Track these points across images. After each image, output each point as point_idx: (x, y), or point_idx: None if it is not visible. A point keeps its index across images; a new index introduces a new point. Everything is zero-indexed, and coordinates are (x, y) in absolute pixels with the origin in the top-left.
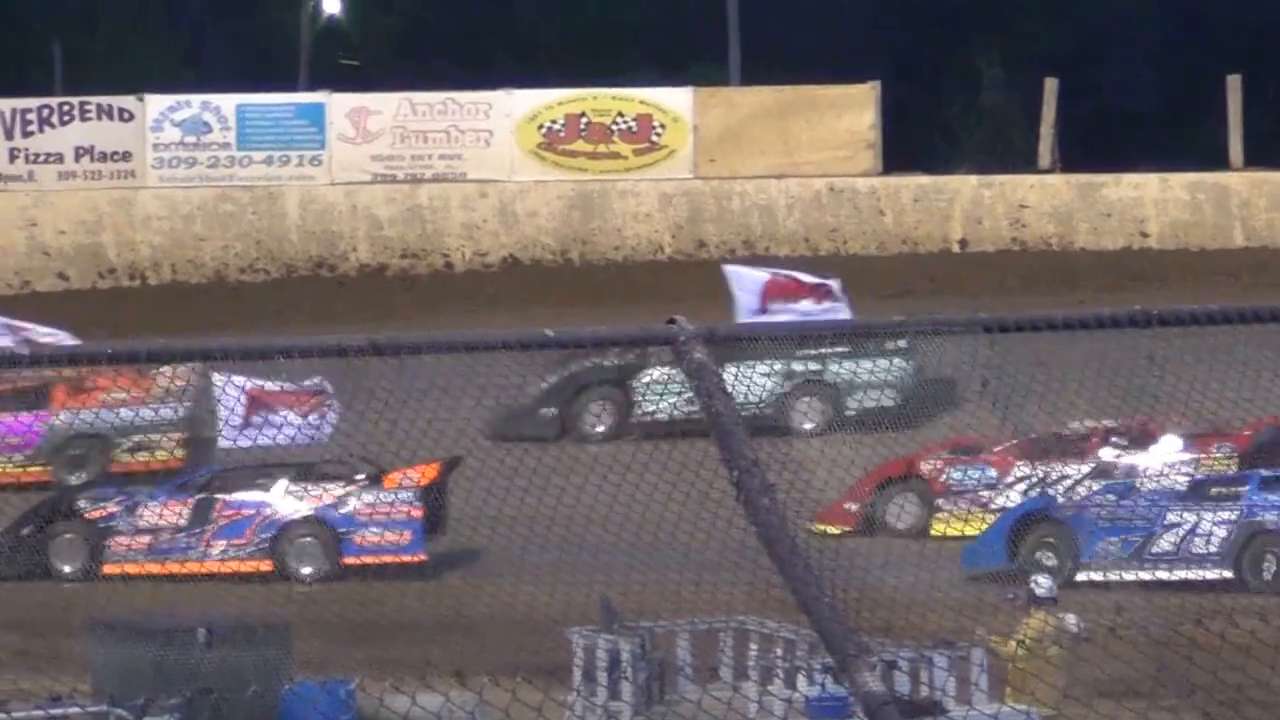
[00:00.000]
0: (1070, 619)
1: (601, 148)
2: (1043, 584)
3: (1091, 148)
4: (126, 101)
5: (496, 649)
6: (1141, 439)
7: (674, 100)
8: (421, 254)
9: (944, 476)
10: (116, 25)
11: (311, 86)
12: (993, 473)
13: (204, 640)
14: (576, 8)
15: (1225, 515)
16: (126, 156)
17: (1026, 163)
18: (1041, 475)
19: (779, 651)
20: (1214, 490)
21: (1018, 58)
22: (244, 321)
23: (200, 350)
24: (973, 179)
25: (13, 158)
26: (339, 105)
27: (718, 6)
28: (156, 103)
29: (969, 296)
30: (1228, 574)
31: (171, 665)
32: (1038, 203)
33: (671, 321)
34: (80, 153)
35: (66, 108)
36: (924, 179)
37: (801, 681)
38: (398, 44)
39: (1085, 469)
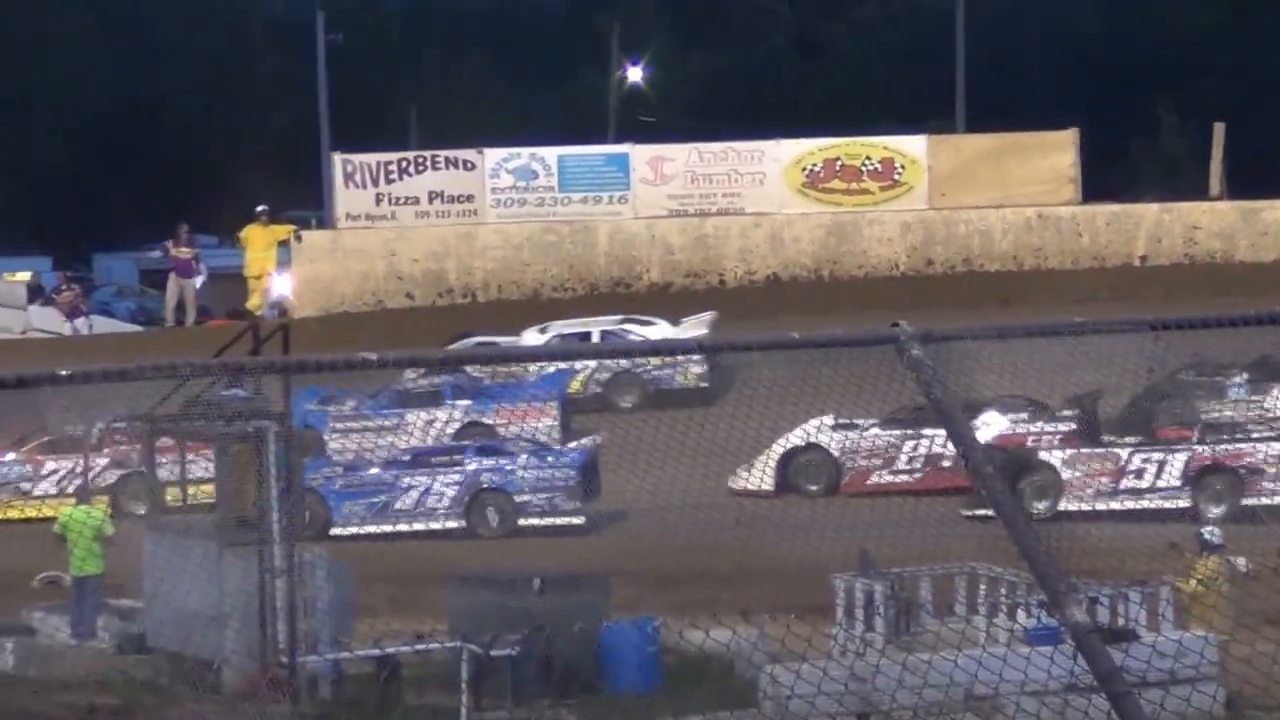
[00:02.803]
0: (1240, 561)
1: (853, 185)
2: (1214, 534)
3: (1253, 179)
4: (469, 154)
5: (775, 592)
6: None
7: (912, 146)
8: (702, 273)
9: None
10: (462, 92)
11: (618, 139)
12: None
13: (538, 588)
14: (831, 73)
15: None
16: (470, 199)
17: (1198, 191)
18: None
19: (1003, 591)
20: None
21: (1191, 106)
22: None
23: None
24: (1154, 206)
25: (379, 201)
26: (641, 154)
27: (947, 69)
28: (493, 155)
29: (1143, 302)
30: None
31: (512, 608)
32: (1208, 224)
33: (895, 325)
34: (432, 196)
35: (421, 160)
36: (1115, 206)
37: (1021, 615)
38: (687, 104)
39: None
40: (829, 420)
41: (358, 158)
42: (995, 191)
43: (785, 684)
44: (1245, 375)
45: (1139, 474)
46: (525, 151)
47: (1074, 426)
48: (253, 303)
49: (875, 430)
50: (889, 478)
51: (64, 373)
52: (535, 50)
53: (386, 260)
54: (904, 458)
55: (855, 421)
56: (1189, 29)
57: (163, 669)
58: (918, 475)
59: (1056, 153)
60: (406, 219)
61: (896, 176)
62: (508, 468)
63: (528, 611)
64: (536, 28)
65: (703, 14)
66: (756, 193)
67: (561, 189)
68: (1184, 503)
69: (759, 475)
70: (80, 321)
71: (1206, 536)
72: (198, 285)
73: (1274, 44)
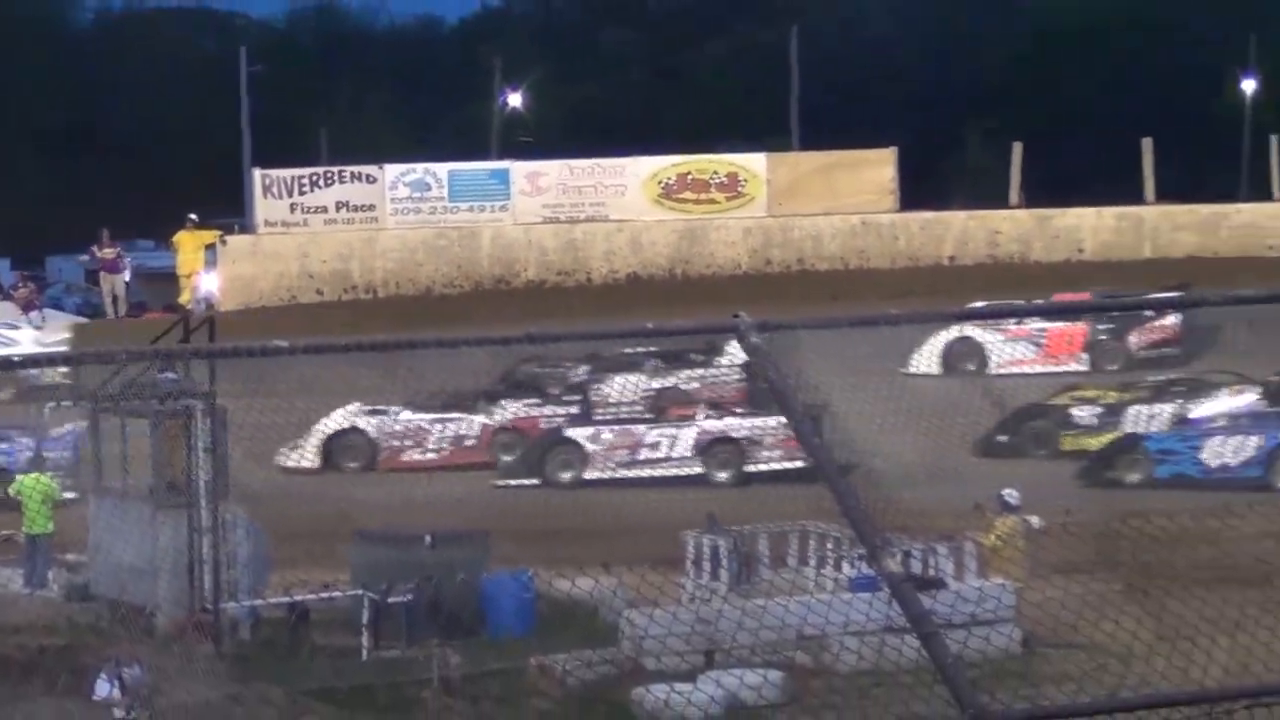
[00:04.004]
0: (1033, 519)
1: (702, 196)
2: (1013, 496)
3: (1046, 191)
4: (371, 169)
5: (632, 547)
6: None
7: (753, 162)
8: (571, 272)
9: None
10: (365, 116)
11: (500, 157)
12: None
13: (429, 544)
14: (685, 99)
15: None
16: (372, 208)
17: (999, 201)
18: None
19: (829, 545)
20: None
21: (994, 128)
22: (443, 321)
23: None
24: (962, 214)
25: (293, 210)
26: (519, 170)
27: (784, 95)
28: (392, 170)
29: (952, 297)
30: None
31: (406, 561)
32: (1007, 230)
33: (736, 316)
34: (339, 205)
35: (330, 174)
36: (928, 214)
37: (845, 566)
38: (560, 126)
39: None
40: (364, 406)
41: (275, 172)
42: (825, 201)
43: (641, 626)
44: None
45: (654, 446)
46: (420, 167)
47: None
48: (183, 298)
49: (406, 414)
50: (419, 455)
51: (15, 358)
52: (429, 80)
53: (299, 261)
54: (433, 438)
55: (384, 408)
56: (995, 61)
57: (103, 614)
58: (445, 453)
59: (878, 168)
60: (317, 225)
61: (740, 188)
62: None
63: (419, 564)
64: (430, 60)
65: (573, 47)
66: (619, 202)
67: (451, 199)
68: (697, 469)
69: (301, 454)
70: (34, 315)
71: (1006, 498)
72: (126, 279)
73: (1066, 74)
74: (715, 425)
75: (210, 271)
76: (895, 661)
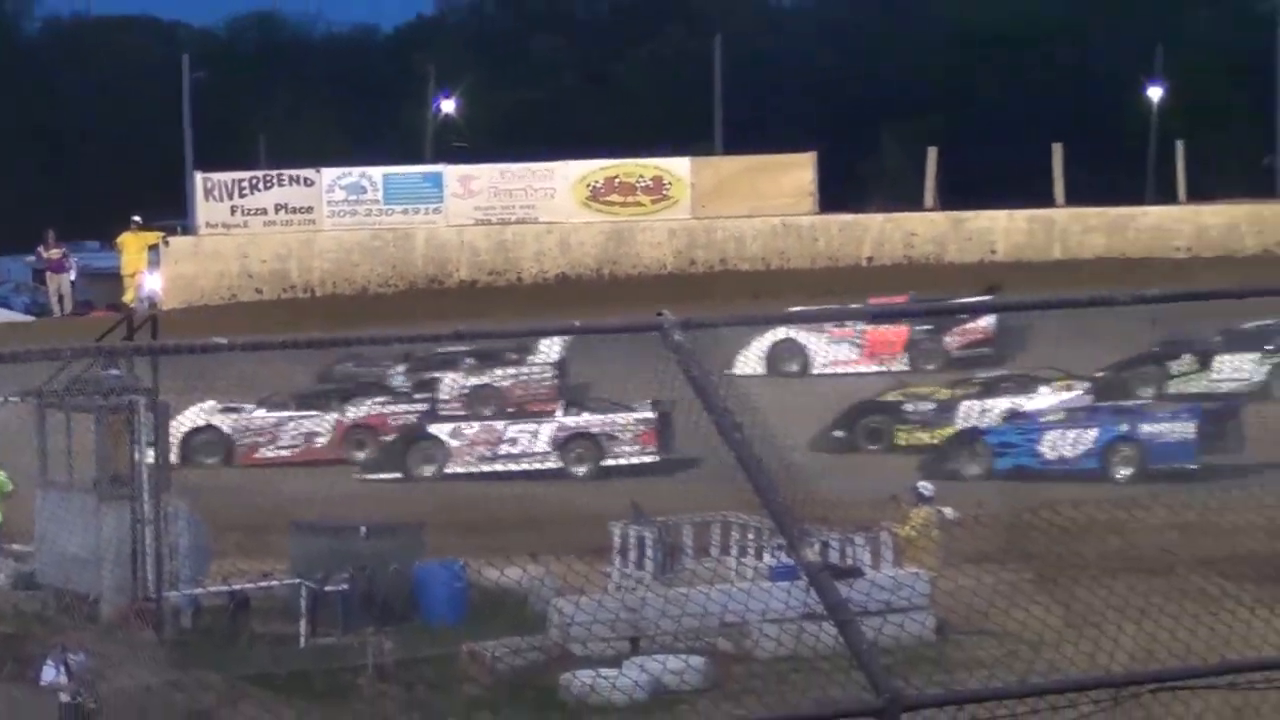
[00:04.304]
0: (947, 510)
1: (629, 199)
2: (927, 488)
3: (960, 194)
4: (309, 173)
5: (559, 537)
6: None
7: (678, 166)
8: (503, 272)
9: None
10: (303, 121)
11: (434, 161)
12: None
13: (364, 535)
14: (613, 105)
15: None
16: (309, 210)
17: (915, 204)
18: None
19: (750, 536)
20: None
21: (910, 134)
22: (378, 320)
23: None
24: (880, 215)
25: (233, 212)
26: (452, 173)
27: (708, 101)
28: (329, 173)
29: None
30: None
31: (342, 551)
32: (923, 231)
33: (659, 314)
34: (278, 208)
35: (269, 178)
36: (846, 216)
37: (766, 556)
38: (492, 131)
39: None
40: (219, 404)
41: (216, 176)
42: (747, 204)
43: (568, 614)
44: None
45: (514, 442)
46: (356, 171)
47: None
48: (127, 297)
49: (260, 412)
50: (273, 452)
51: None
52: (365, 86)
53: (239, 262)
54: (286, 435)
55: (239, 405)
56: (911, 68)
57: (49, 603)
58: (299, 449)
59: (798, 171)
60: (256, 227)
61: (665, 191)
62: None
63: (355, 554)
64: (366, 67)
65: (505, 54)
66: (548, 205)
67: (386, 202)
68: (554, 464)
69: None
70: None
71: (921, 490)
72: (71, 278)
73: (980, 81)
74: (573, 421)
75: (153, 271)
76: (813, 647)
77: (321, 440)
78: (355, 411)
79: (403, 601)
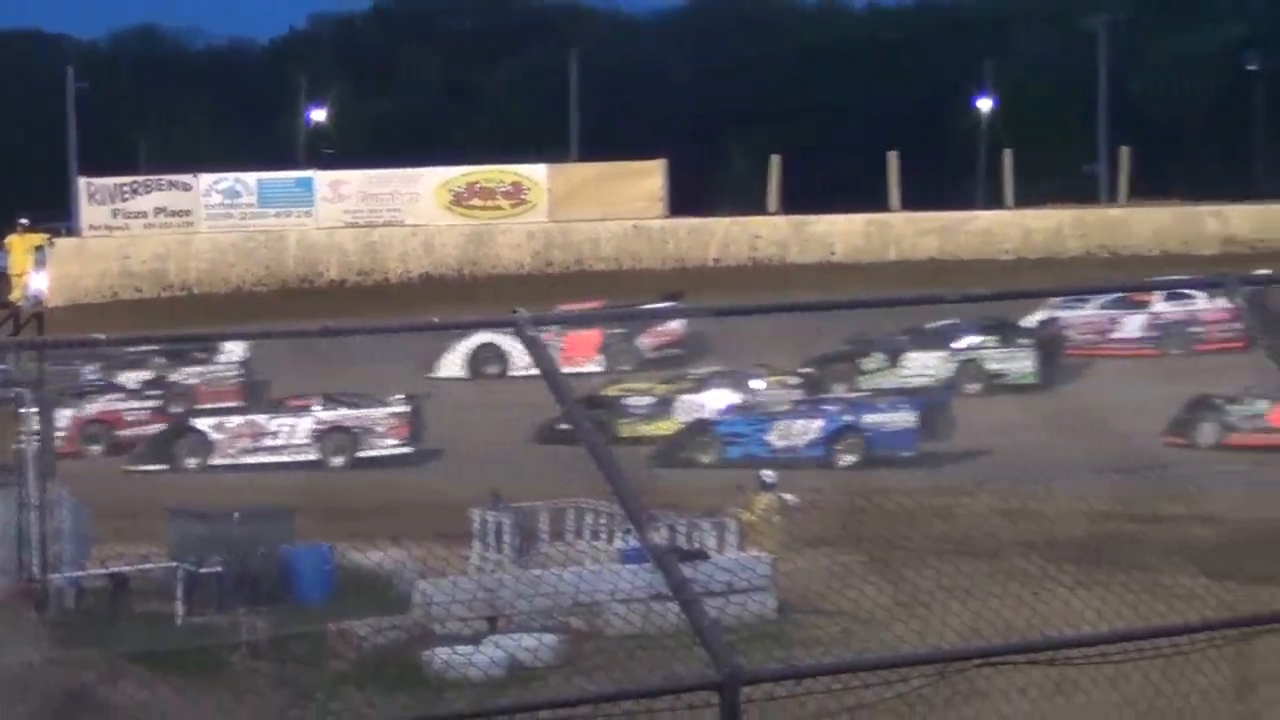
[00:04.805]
0: (788, 497)
1: (489, 203)
2: (770, 476)
3: (802, 200)
4: (187, 178)
5: (421, 522)
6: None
7: (535, 173)
8: (370, 272)
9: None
10: (182, 128)
11: (306, 167)
12: None
13: (238, 520)
14: (475, 115)
15: None
16: (187, 213)
17: (759, 209)
18: None
19: (603, 520)
20: None
21: (755, 143)
22: (253, 317)
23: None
24: (726, 219)
25: (115, 215)
26: (323, 178)
27: (563, 112)
28: (206, 179)
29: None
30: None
31: (217, 536)
32: (767, 234)
33: (514, 311)
34: (157, 211)
35: (149, 183)
36: (694, 220)
37: (616, 539)
38: (361, 139)
39: None
40: None
41: (99, 181)
42: (601, 208)
43: (430, 595)
44: None
45: (275, 434)
46: (231, 176)
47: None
48: (14, 296)
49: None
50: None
51: None
52: (241, 96)
53: (120, 262)
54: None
55: None
56: (756, 81)
57: None
58: None
59: (649, 178)
60: (137, 229)
61: (523, 196)
62: None
63: (229, 538)
64: (242, 78)
65: (373, 67)
66: (413, 209)
67: (260, 205)
68: (313, 455)
69: None
70: None
71: (764, 478)
72: None
73: (821, 93)
74: (330, 415)
75: (39, 271)
76: (659, 626)
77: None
78: (90, 408)
79: (274, 583)
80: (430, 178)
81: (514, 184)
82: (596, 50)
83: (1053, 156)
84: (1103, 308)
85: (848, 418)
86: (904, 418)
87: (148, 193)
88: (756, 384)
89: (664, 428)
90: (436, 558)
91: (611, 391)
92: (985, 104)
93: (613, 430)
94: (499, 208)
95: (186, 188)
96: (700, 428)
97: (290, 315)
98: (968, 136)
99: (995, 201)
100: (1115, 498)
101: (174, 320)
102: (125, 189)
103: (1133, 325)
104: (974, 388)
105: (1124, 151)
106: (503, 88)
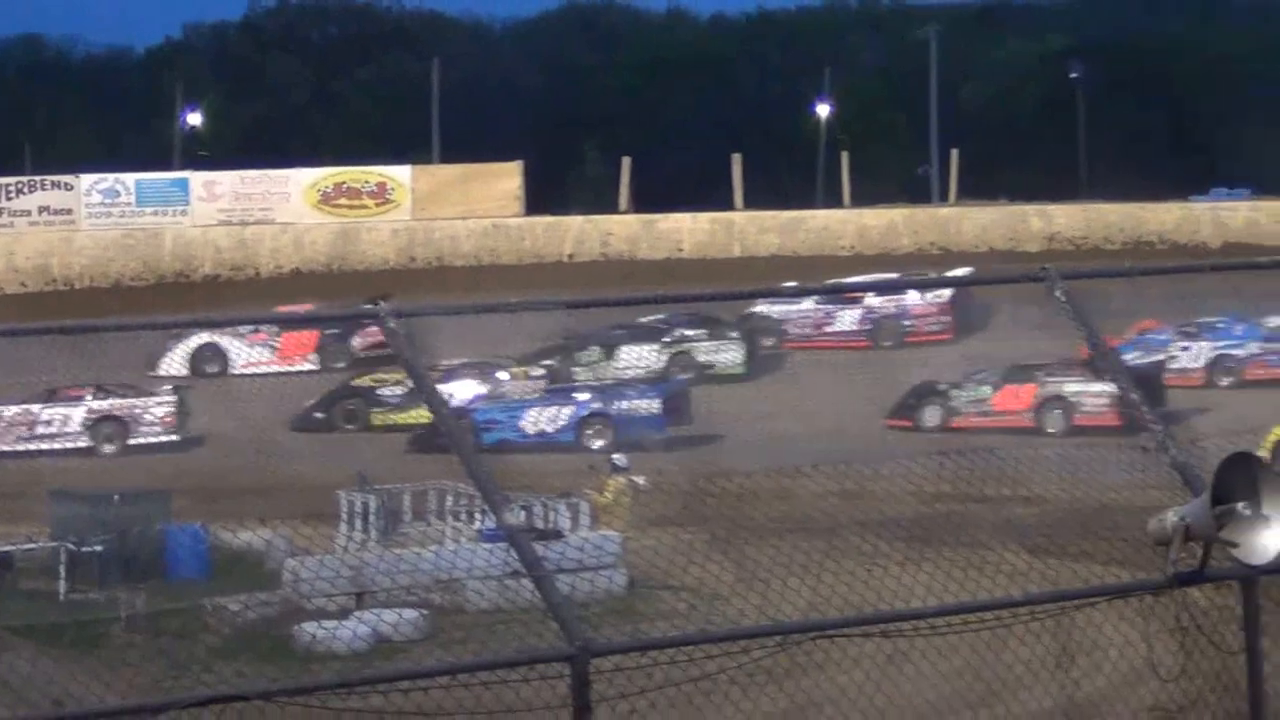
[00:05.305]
0: (640, 479)
1: (356, 202)
2: (621, 460)
3: (651, 199)
4: (69, 179)
5: (291, 504)
6: None
7: (399, 173)
8: (243, 267)
9: None
10: (65, 131)
11: (181, 168)
12: None
13: (117, 501)
14: (341, 119)
15: None
16: (69, 212)
17: (611, 208)
18: None
19: (463, 502)
20: None
21: (608, 145)
22: (132, 309)
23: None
24: (580, 218)
25: (0, 214)
26: (198, 179)
27: (426, 116)
28: (87, 179)
29: (569, 289)
30: None
31: (97, 517)
32: (618, 231)
33: (374, 303)
34: (41, 209)
35: (33, 183)
36: (550, 218)
37: (477, 519)
38: (233, 142)
39: None
40: None
41: None
42: (461, 207)
43: (299, 573)
44: None
45: (49, 423)
46: (111, 177)
47: None
48: None
49: None
50: None
51: None
52: (120, 101)
53: (5, 258)
54: None
55: None
56: (608, 86)
57: None
58: None
59: (506, 178)
60: (21, 227)
61: (388, 196)
62: None
63: (109, 519)
64: (121, 84)
65: (244, 73)
66: (284, 207)
67: (138, 204)
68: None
69: None
70: None
71: (616, 461)
72: None
73: (670, 98)
74: (102, 405)
75: None
76: (516, 602)
77: None
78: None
79: (151, 561)
80: (299, 178)
81: (379, 184)
82: (456, 58)
83: (887, 159)
84: (819, 303)
85: (596, 405)
86: (650, 404)
87: (31, 192)
88: (502, 375)
89: (416, 416)
90: (303, 537)
91: (363, 382)
92: (824, 109)
93: (366, 419)
94: (365, 207)
95: (68, 188)
96: (457, 414)
97: (167, 309)
98: (807, 140)
99: (833, 201)
100: (941, 478)
101: (61, 313)
102: (10, 189)
103: (847, 319)
104: (685, 378)
105: (954, 154)
106: (367, 93)
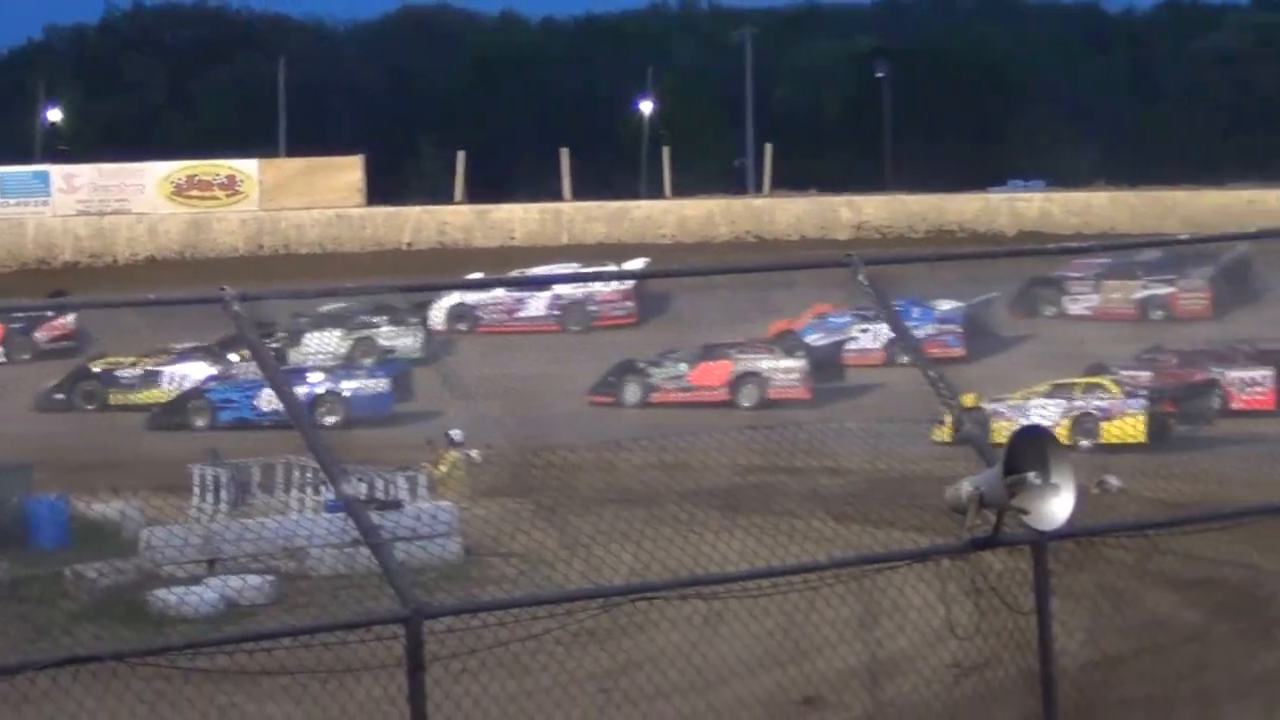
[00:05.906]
0: (474, 453)
1: (207, 194)
2: (456, 435)
3: (485, 190)
4: None
5: (144, 476)
6: None
7: (248, 167)
8: (101, 255)
9: None
10: None
11: (42, 162)
12: None
13: None
14: (195, 117)
15: None
16: None
17: (448, 199)
18: None
19: (309, 474)
20: None
21: (445, 139)
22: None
23: None
24: (418, 208)
25: None
26: (58, 172)
27: (273, 112)
28: None
29: (409, 275)
30: None
31: None
32: (453, 221)
33: (221, 289)
34: None
35: None
36: (390, 209)
37: (322, 491)
38: (92, 137)
39: None
40: None
41: None
42: (306, 198)
43: (154, 541)
44: None
45: None
46: None
47: None
48: None
49: None
50: None
51: None
52: None
53: None
54: None
55: None
56: (444, 85)
57: None
58: None
59: (349, 171)
60: None
61: (237, 188)
62: None
63: None
64: None
65: (103, 72)
66: (140, 199)
67: (2, 196)
68: None
69: None
70: None
71: (452, 436)
72: None
73: (502, 96)
74: None
75: None
76: (355, 568)
77: None
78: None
79: (13, 531)
80: (154, 171)
81: (229, 177)
82: (301, 59)
83: (706, 153)
84: (509, 291)
85: (328, 385)
86: (378, 384)
87: None
88: (233, 356)
89: (153, 396)
90: (153, 508)
91: (99, 365)
92: (647, 106)
93: (105, 399)
94: (215, 198)
95: None
96: (194, 394)
97: (28, 293)
98: (632, 135)
99: (656, 192)
100: (753, 450)
101: None
102: None
103: (537, 305)
104: (409, 360)
105: (768, 148)
106: (218, 91)
